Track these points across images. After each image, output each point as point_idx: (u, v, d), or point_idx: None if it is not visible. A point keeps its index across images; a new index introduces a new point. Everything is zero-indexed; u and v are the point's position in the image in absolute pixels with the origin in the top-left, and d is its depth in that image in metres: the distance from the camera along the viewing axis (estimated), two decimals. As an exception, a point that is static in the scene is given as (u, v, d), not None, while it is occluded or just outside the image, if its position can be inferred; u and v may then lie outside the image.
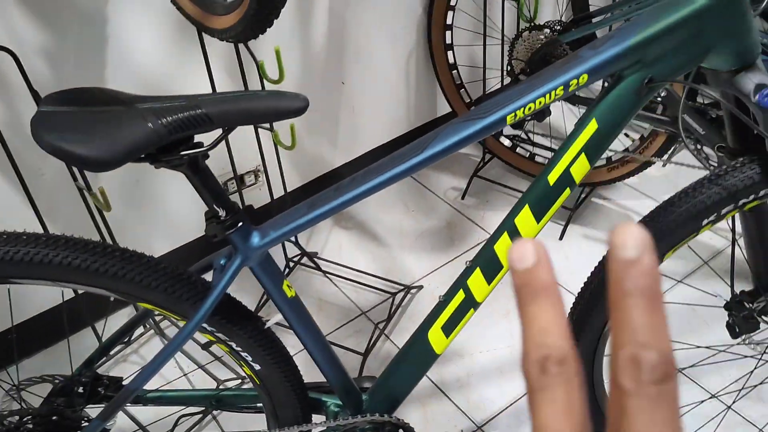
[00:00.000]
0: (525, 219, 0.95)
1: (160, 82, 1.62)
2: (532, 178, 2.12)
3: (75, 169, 1.44)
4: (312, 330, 1.05)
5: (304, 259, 1.91)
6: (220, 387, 1.52)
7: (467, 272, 1.01)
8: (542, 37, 1.81)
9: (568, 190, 0.93)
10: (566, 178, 0.92)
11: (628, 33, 0.83)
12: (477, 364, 1.66)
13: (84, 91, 0.84)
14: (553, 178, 0.92)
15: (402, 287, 1.82)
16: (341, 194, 0.92)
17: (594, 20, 1.88)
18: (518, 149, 2.11)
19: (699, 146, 1.70)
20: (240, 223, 0.91)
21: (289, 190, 1.85)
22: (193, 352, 1.67)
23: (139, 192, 1.72)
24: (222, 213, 0.90)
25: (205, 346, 1.02)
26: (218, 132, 0.85)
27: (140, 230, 1.76)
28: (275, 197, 1.83)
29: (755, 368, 1.28)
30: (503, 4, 1.96)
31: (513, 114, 0.86)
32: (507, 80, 2.06)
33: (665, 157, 1.86)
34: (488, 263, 0.99)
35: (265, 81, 1.49)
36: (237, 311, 1.00)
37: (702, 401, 1.43)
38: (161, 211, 1.79)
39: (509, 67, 1.89)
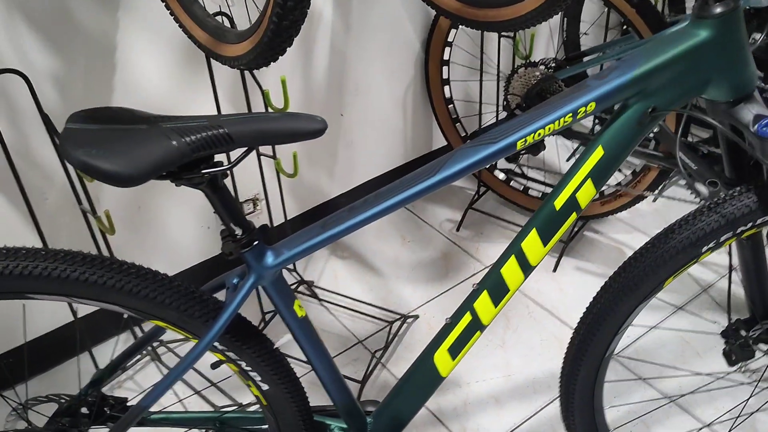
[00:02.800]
0: (532, 243, 0.98)
1: (165, 107, 1.65)
2: (525, 211, 2.16)
3: (80, 193, 1.45)
4: (321, 350, 1.06)
5: (301, 288, 1.92)
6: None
7: (474, 295, 1.03)
8: (537, 73, 1.86)
9: (574, 215, 0.96)
10: (572, 203, 0.95)
11: (632, 64, 0.87)
12: (473, 394, 1.67)
13: (108, 110, 0.86)
14: (559, 203, 0.95)
15: (398, 316, 1.84)
16: (354, 215, 0.94)
17: (585, 59, 1.94)
18: (512, 183, 2.15)
19: (691, 181, 1.75)
20: (255, 242, 0.93)
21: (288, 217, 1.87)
22: (189, 379, 1.66)
23: (140, 217, 1.73)
24: (238, 231, 0.92)
25: (215, 366, 1.02)
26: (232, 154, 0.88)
27: (141, 255, 1.77)
28: (274, 224, 1.85)
29: (750, 396, 1.31)
30: (499, 41, 2.02)
31: (523, 140, 0.90)
32: (502, 115, 2.11)
33: (656, 191, 1.90)
34: (495, 286, 1.02)
35: (269, 109, 1.52)
36: (248, 331, 1.01)
37: (699, 430, 1.44)
38: (162, 237, 1.80)
39: (505, 102, 1.94)
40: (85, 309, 1.69)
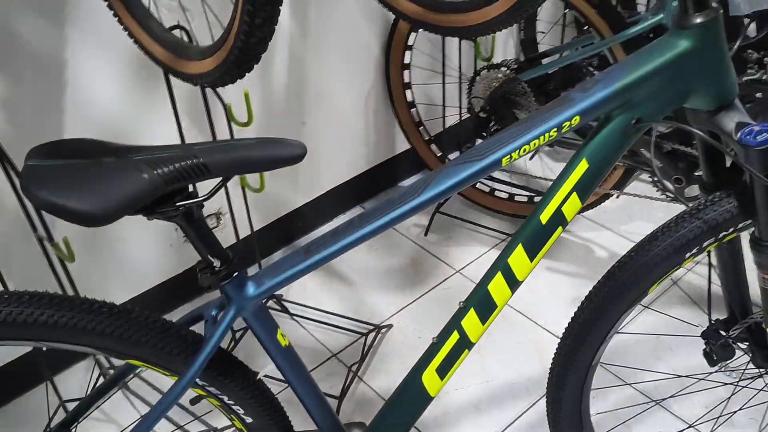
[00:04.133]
0: (518, 258, 0.96)
1: (122, 127, 1.58)
2: (492, 213, 2.15)
3: (35, 220, 1.38)
4: (305, 379, 1.03)
5: (270, 302, 1.88)
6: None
7: (461, 313, 1.01)
8: (500, 75, 1.85)
9: (560, 229, 0.95)
10: (558, 216, 0.93)
11: (616, 76, 0.86)
12: (453, 402, 1.65)
13: (70, 142, 0.81)
14: (545, 217, 0.93)
15: (372, 327, 1.81)
16: (339, 240, 0.91)
17: (546, 60, 1.94)
18: (478, 185, 2.14)
19: (656, 178, 1.77)
20: (235, 274, 0.89)
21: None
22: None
23: (99, 240, 1.66)
24: (216, 263, 0.88)
25: (194, 401, 0.98)
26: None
27: (101, 280, 1.70)
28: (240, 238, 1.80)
29: (732, 395, 1.32)
30: (460, 44, 2.00)
31: (508, 156, 0.87)
32: (465, 117, 2.10)
33: (620, 189, 1.92)
34: (482, 303, 1.00)
35: (232, 124, 1.47)
36: (230, 364, 0.97)
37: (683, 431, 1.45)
38: (123, 259, 1.73)
39: (469, 105, 1.92)
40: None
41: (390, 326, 1.84)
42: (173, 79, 1.36)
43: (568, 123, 0.87)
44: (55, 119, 1.47)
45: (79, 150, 0.80)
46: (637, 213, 2.14)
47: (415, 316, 1.88)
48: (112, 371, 1.67)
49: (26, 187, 0.74)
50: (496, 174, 2.16)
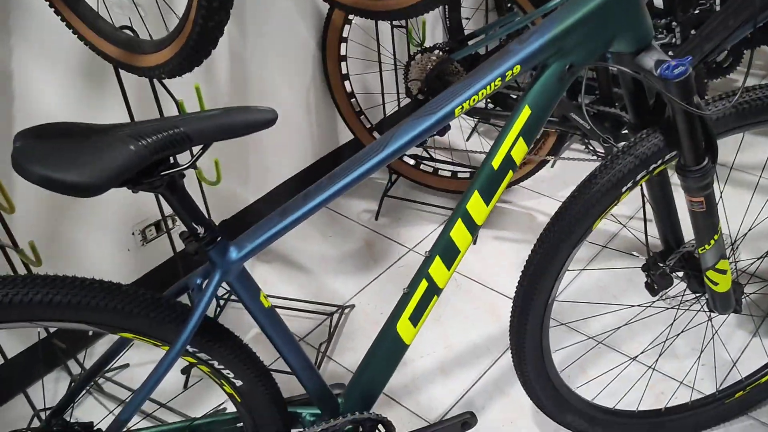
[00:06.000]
0: (475, 204, 1.05)
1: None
2: (438, 192, 2.25)
3: (-4, 228, 1.39)
4: (289, 339, 1.09)
5: (234, 296, 1.92)
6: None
7: (427, 262, 1.09)
8: (434, 57, 1.95)
9: (510, 173, 1.04)
10: (508, 161, 1.03)
11: (548, 27, 0.96)
12: (419, 369, 1.73)
13: (56, 124, 0.85)
14: (497, 162, 1.03)
15: (335, 308, 1.87)
16: (311, 199, 0.97)
17: (473, 40, 2.05)
18: (422, 166, 2.24)
19: (586, 140, 1.90)
20: (218, 239, 0.95)
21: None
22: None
23: (56, 249, 1.67)
24: (200, 230, 0.93)
25: (185, 371, 1.02)
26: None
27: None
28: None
29: (673, 321, 1.45)
30: (392, 32, 2.09)
31: (460, 106, 0.96)
32: (404, 102, 2.18)
33: (555, 155, 2.04)
34: (446, 250, 1.08)
35: (185, 119, 1.52)
36: (217, 329, 1.02)
37: (623, 365, 1.57)
38: (80, 266, 1.74)
39: (407, 88, 2.02)
40: (11, 351, 1.62)
41: (352, 306, 1.91)
42: (124, 78, 1.40)
43: (510, 72, 0.96)
44: (5, 129, 1.48)
45: (66, 130, 0.84)
46: (570, 179, 2.28)
47: (375, 295, 1.95)
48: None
49: (19, 164, 0.78)
50: (439, 155, 2.26)
